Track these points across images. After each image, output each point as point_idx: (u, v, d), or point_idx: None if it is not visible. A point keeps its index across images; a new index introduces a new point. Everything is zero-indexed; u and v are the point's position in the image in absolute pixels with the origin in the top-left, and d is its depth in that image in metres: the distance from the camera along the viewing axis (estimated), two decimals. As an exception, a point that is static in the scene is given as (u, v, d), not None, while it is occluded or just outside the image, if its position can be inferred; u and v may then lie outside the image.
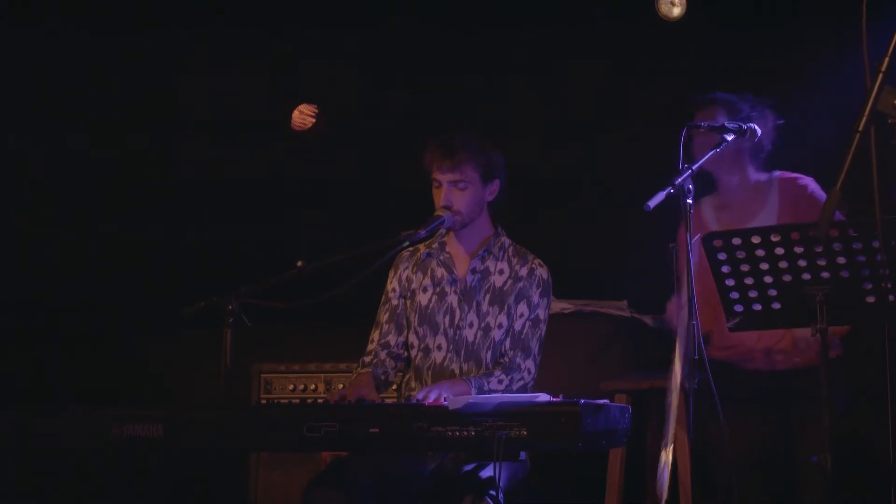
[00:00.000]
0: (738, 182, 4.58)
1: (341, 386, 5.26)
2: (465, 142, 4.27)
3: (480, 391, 4.11)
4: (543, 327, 4.32)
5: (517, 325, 4.28)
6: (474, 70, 6.06)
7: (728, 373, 4.37)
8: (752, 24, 5.59)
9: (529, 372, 4.24)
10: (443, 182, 4.27)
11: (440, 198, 4.28)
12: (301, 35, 6.10)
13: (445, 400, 3.69)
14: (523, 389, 4.19)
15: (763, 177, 4.57)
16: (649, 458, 5.22)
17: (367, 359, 4.36)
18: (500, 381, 4.18)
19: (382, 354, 4.36)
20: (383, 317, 4.42)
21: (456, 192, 4.27)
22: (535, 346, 4.28)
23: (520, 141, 5.87)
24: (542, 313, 4.31)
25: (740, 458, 4.35)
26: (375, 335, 4.41)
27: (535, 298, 4.31)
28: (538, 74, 6.03)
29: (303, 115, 6.31)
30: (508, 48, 6.01)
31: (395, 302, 4.42)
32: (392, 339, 4.37)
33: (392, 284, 4.45)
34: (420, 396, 3.92)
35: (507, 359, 4.26)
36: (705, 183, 4.56)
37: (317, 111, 6.30)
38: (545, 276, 4.35)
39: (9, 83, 5.96)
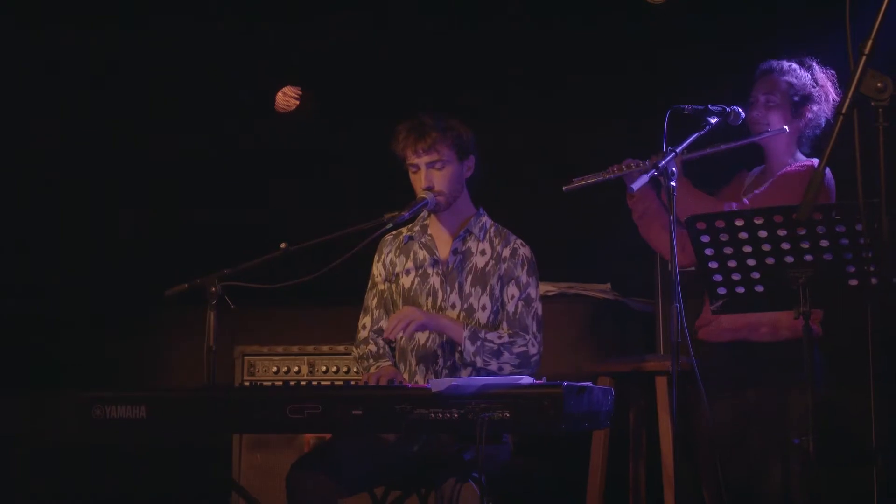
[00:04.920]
0: (783, 157, 4.36)
1: (324, 368, 5.27)
2: (435, 121, 4.25)
3: (474, 337, 4.13)
4: (537, 305, 4.28)
5: (510, 308, 4.26)
6: (467, 56, 6.04)
7: (734, 351, 4.33)
8: (734, 8, 5.58)
9: (532, 345, 4.22)
10: (420, 165, 4.26)
11: (420, 181, 4.27)
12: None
13: (429, 383, 3.69)
14: (525, 358, 4.16)
15: (808, 162, 4.33)
16: (632, 441, 5.24)
17: (374, 349, 4.34)
18: (500, 336, 4.18)
19: (381, 342, 4.35)
20: (372, 302, 4.42)
21: (435, 173, 4.26)
22: (531, 323, 4.24)
23: (505, 124, 5.87)
24: (532, 292, 4.29)
25: (728, 440, 4.33)
26: (367, 321, 4.40)
27: (524, 278, 4.30)
28: (529, 61, 6.02)
29: (286, 97, 6.28)
30: (504, 40, 6.00)
31: (381, 286, 4.41)
32: (385, 324, 4.37)
33: (377, 268, 4.44)
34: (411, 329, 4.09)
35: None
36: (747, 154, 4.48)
37: (301, 93, 6.27)
38: (528, 254, 4.33)
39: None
